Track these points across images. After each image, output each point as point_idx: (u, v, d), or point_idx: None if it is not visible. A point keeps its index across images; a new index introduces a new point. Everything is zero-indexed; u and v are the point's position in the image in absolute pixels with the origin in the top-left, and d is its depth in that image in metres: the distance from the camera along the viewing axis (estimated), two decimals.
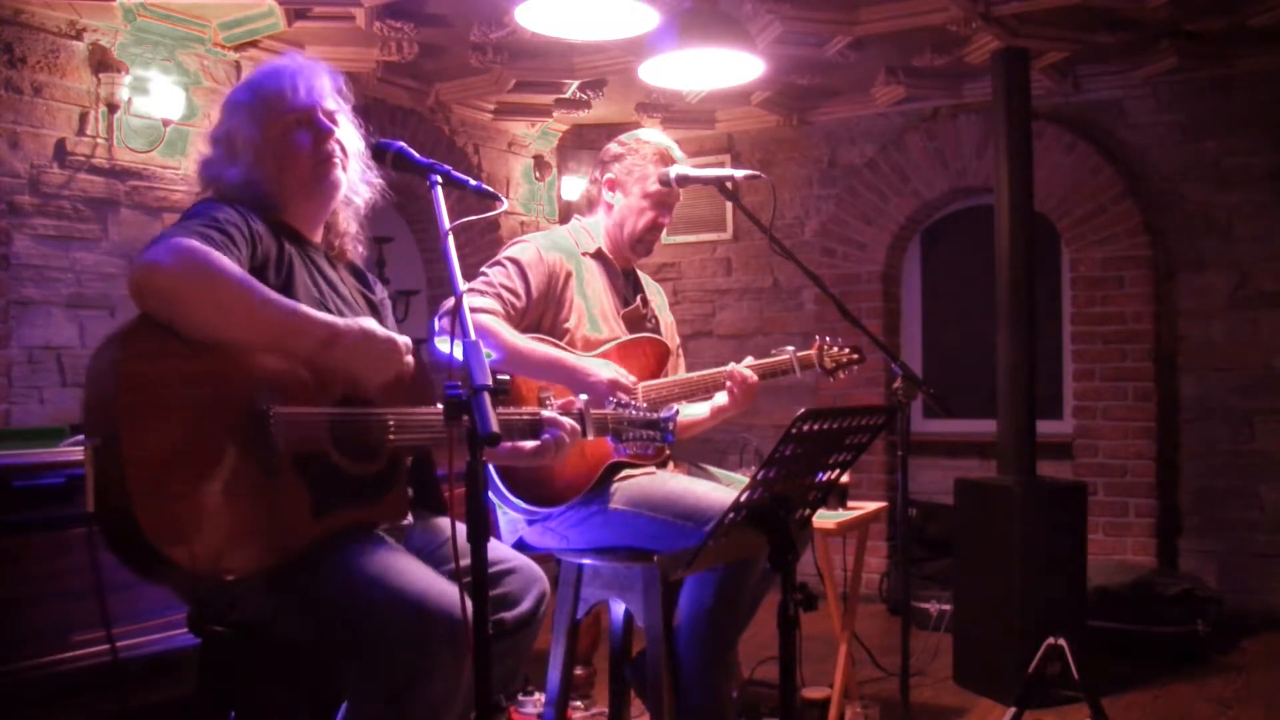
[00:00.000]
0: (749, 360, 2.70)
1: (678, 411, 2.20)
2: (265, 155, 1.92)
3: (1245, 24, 4.20)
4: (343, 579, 1.71)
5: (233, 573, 1.64)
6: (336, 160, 1.97)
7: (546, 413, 1.97)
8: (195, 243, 1.65)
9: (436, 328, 2.37)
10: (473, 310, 2.36)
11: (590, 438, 2.06)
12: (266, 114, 1.93)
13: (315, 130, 1.96)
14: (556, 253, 2.55)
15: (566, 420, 1.97)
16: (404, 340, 1.81)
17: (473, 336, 1.59)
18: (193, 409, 1.59)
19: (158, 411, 1.55)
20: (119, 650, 2.35)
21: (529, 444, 1.96)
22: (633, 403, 2.18)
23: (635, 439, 2.15)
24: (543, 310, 2.51)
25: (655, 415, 2.17)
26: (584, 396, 2.08)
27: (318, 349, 1.72)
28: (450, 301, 2.37)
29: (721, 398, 2.66)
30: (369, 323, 1.78)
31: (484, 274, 2.49)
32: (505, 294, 2.43)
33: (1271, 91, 4.67)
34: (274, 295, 1.69)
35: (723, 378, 2.64)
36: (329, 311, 1.88)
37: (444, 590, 1.70)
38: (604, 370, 2.38)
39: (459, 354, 1.56)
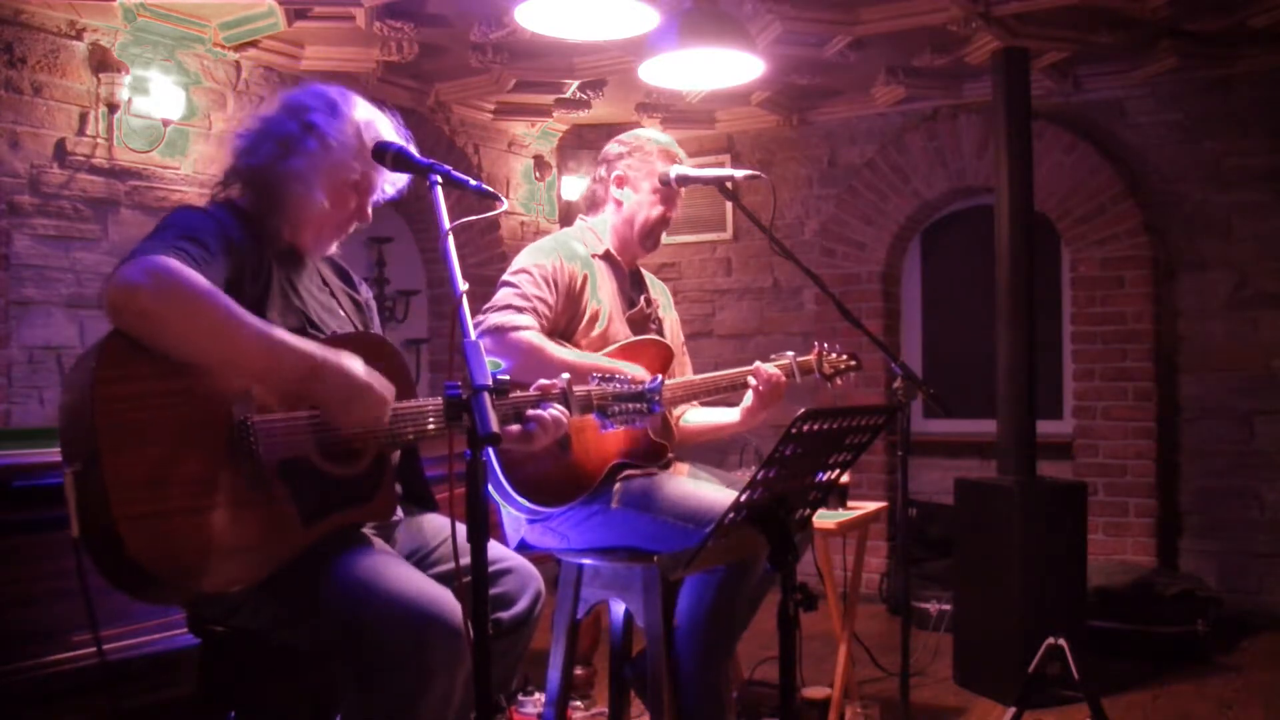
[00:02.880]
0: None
1: (662, 380, 2.17)
2: (328, 166, 1.90)
3: (1245, 24, 4.20)
4: (338, 590, 1.70)
5: (225, 588, 1.63)
6: (343, 236, 2.00)
7: (520, 394, 1.93)
8: (173, 261, 1.61)
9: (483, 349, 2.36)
10: (516, 328, 2.35)
11: (575, 415, 2.01)
12: (365, 151, 1.90)
13: (361, 208, 1.97)
14: (573, 258, 2.55)
15: (548, 414, 1.90)
16: (388, 390, 1.74)
17: (473, 335, 1.58)
18: (171, 427, 1.57)
19: (136, 433, 1.53)
20: (117, 651, 2.35)
21: (513, 427, 1.90)
22: (616, 377, 2.15)
23: (621, 413, 2.10)
24: (561, 315, 2.50)
25: (640, 387, 2.12)
26: (566, 375, 2.03)
27: (295, 383, 1.68)
28: (485, 320, 2.38)
29: (748, 399, 2.65)
30: (352, 362, 1.71)
31: (514, 285, 2.45)
32: (541, 306, 2.42)
33: (1271, 91, 4.67)
34: (254, 321, 1.65)
35: (748, 375, 2.63)
36: (310, 318, 1.89)
37: (440, 597, 1.70)
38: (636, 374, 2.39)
39: (459, 354, 1.56)
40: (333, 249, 2.02)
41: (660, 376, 2.22)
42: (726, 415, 2.74)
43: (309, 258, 2.01)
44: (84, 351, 1.59)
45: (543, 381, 2.01)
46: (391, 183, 2.01)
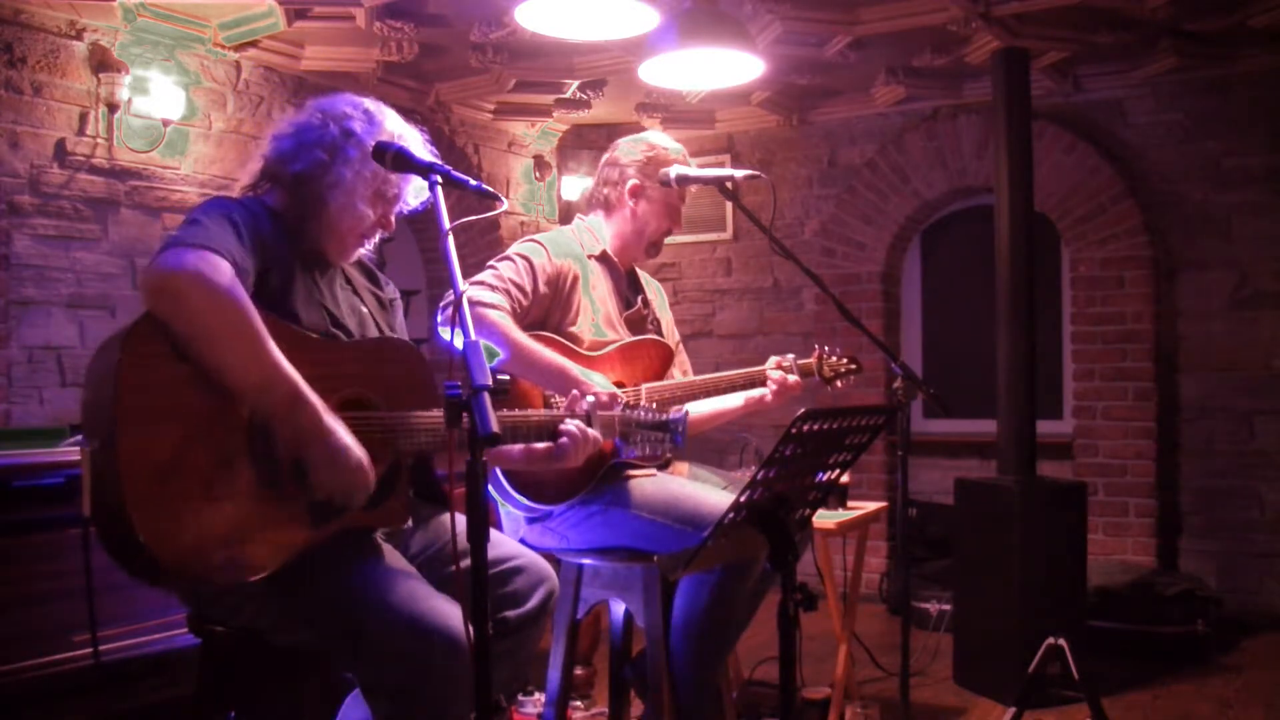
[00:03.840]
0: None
1: (687, 413, 2.19)
2: (370, 176, 1.90)
3: (1245, 24, 4.20)
4: (343, 596, 1.71)
5: (228, 579, 1.63)
6: (366, 246, 2.00)
7: (561, 415, 1.98)
8: (224, 262, 1.63)
9: (440, 319, 2.37)
10: (482, 304, 2.36)
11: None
12: (379, 167, 1.90)
13: (385, 221, 1.97)
14: (565, 255, 2.55)
15: (576, 427, 1.97)
16: (369, 480, 1.70)
17: (473, 334, 1.59)
18: (191, 414, 1.58)
19: (155, 417, 1.54)
20: (117, 651, 2.36)
21: (541, 445, 1.96)
22: (641, 404, 2.17)
23: (644, 441, 2.12)
24: (547, 311, 2.51)
25: (664, 417, 2.14)
26: (590, 398, 2.07)
27: (280, 413, 1.64)
28: (465, 301, 2.38)
29: (756, 392, 2.70)
30: (347, 437, 1.67)
31: (494, 267, 2.48)
32: (514, 290, 2.43)
33: (1271, 91, 4.67)
34: (275, 349, 1.64)
35: (769, 374, 2.67)
36: (334, 316, 1.89)
37: (443, 612, 1.70)
38: (603, 387, 2.38)
39: (459, 351, 1.56)
40: (354, 257, 2.02)
41: (685, 410, 2.24)
42: (730, 401, 2.75)
43: (333, 262, 2.02)
44: (114, 334, 1.60)
45: (568, 400, 2.04)
46: (416, 194, 2.00)
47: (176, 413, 1.57)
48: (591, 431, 2.00)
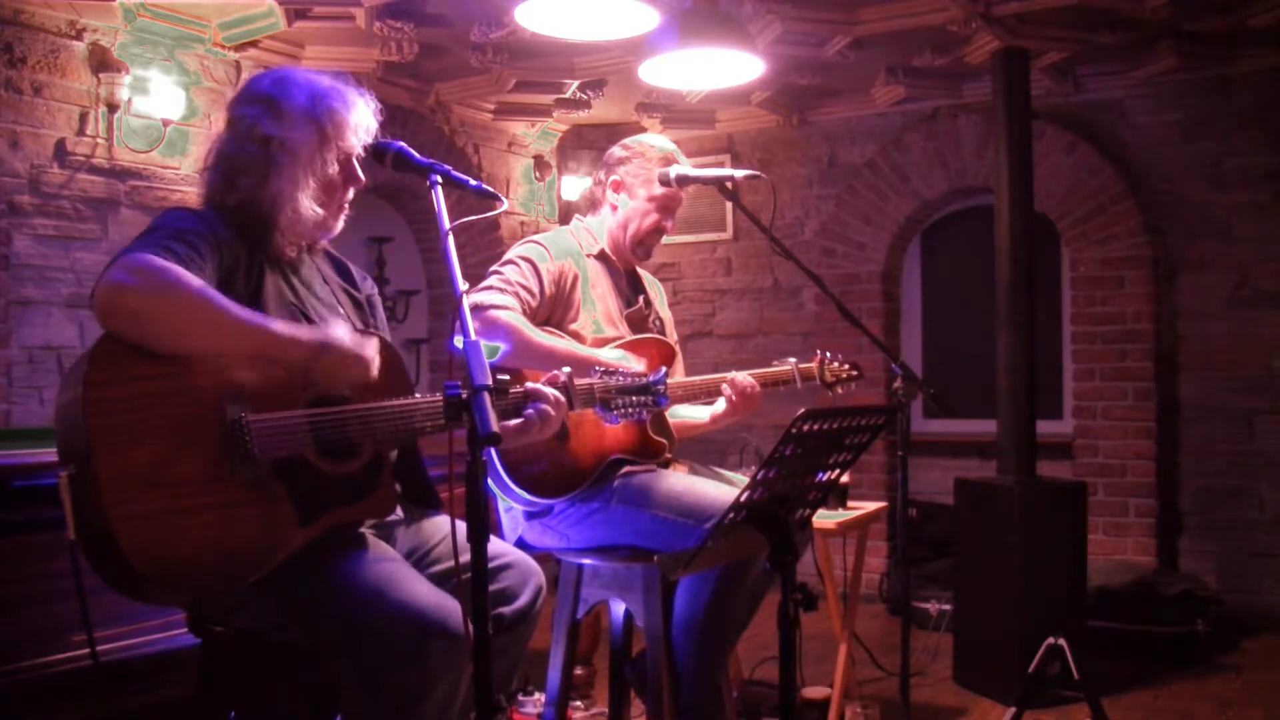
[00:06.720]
0: (748, 373, 2.70)
1: (666, 373, 2.19)
2: (304, 171, 1.87)
3: (1245, 24, 4.20)
4: (338, 591, 1.70)
5: (222, 587, 1.63)
6: (347, 210, 1.97)
7: (530, 385, 1.93)
8: (155, 258, 1.62)
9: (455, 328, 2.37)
10: (493, 307, 2.36)
11: (576, 409, 2.02)
12: (329, 133, 1.88)
13: (350, 176, 1.94)
14: (565, 255, 2.56)
15: (549, 391, 1.92)
16: (370, 352, 1.78)
17: (479, 336, 1.59)
18: (164, 428, 1.58)
19: (128, 435, 1.54)
20: (117, 651, 2.36)
21: (512, 422, 1.91)
22: (619, 370, 2.14)
23: (625, 405, 2.10)
24: (551, 310, 2.52)
25: (644, 380, 2.12)
26: (567, 369, 2.04)
27: (299, 368, 1.70)
28: (464, 301, 2.38)
29: (720, 405, 2.67)
30: (338, 332, 1.74)
31: (499, 272, 2.49)
32: (522, 292, 2.44)
33: (1271, 91, 4.67)
34: (238, 310, 1.66)
35: (723, 385, 2.64)
36: (305, 316, 1.88)
37: (441, 603, 1.70)
38: (617, 361, 2.39)
39: (460, 353, 1.56)
40: (340, 225, 1.99)
41: (665, 369, 2.23)
42: (696, 413, 2.76)
43: (314, 252, 2.01)
44: (76, 361, 1.60)
45: (547, 375, 2.02)
46: (359, 136, 1.94)
47: (150, 427, 1.57)
48: (563, 398, 1.94)
